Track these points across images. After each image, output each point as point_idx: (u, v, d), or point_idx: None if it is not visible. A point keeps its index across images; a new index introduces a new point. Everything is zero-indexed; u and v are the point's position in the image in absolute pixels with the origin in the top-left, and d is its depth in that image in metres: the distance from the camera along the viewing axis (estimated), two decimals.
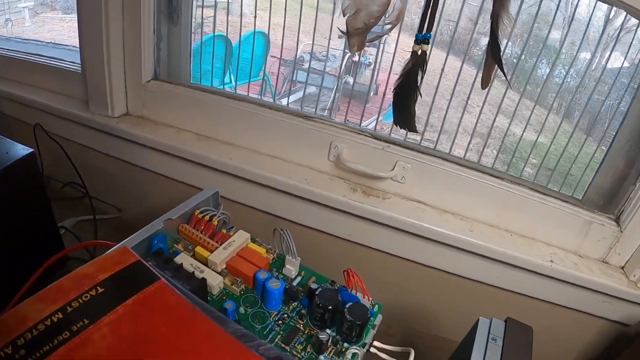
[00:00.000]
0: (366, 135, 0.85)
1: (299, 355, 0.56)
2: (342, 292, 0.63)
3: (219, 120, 0.93)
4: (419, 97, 0.73)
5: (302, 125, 0.87)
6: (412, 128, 0.76)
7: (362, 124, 0.93)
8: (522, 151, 0.88)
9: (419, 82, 0.71)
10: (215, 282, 0.59)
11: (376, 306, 0.64)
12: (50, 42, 1.30)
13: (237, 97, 0.92)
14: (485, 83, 0.72)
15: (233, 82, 1.01)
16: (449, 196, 0.86)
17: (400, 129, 0.78)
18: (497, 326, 0.57)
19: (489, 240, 0.82)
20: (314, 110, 0.90)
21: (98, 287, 0.37)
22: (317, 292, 0.59)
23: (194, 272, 0.58)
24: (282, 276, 0.66)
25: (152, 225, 0.62)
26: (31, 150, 0.71)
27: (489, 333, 0.56)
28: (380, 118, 0.99)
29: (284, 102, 1.01)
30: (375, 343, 0.63)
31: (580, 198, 0.87)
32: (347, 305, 0.58)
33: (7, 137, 0.90)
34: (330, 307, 0.58)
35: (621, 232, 0.80)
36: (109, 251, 0.43)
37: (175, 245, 0.65)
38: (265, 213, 0.94)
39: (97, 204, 1.08)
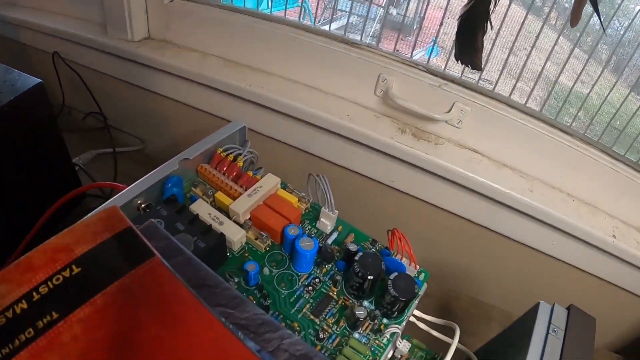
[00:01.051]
0: (420, 69, 0.72)
1: (329, 330, 0.48)
2: (385, 257, 0.54)
3: (250, 45, 0.81)
4: (489, 28, 0.59)
5: (347, 53, 0.74)
6: (476, 64, 0.62)
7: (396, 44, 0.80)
8: (588, 108, 0.74)
9: (492, 9, 0.57)
10: (236, 237, 0.50)
11: (422, 274, 0.55)
12: None
13: (273, 19, 0.79)
14: (575, 19, 0.58)
15: (269, 7, 0.88)
16: (510, 148, 0.73)
17: (462, 64, 0.65)
18: (558, 315, 0.51)
19: (549, 204, 0.71)
20: (358, 38, 0.77)
21: (73, 266, 0.27)
22: (356, 258, 0.49)
23: (211, 224, 0.49)
24: (315, 231, 0.56)
25: (165, 165, 0.53)
26: (39, 80, 0.63)
27: (549, 323, 0.50)
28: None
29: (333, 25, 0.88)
30: (415, 312, 0.55)
31: None
32: (392, 277, 0.49)
33: (26, 66, 0.83)
34: (372, 277, 0.49)
35: None
36: (93, 212, 0.33)
37: (192, 189, 0.56)
38: (299, 150, 0.83)
39: (120, 136, 1.01)
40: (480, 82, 0.73)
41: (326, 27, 0.79)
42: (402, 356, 0.56)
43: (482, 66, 0.63)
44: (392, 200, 0.83)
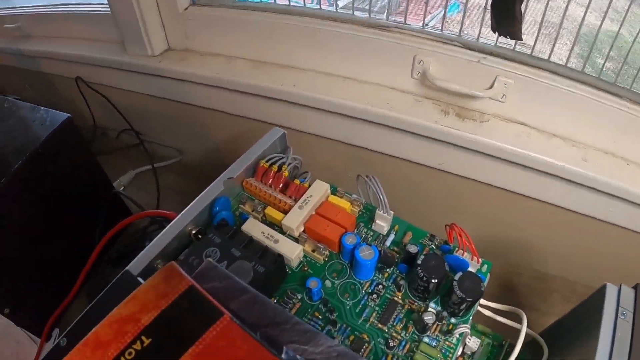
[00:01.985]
0: (457, 45, 0.68)
1: (399, 337, 0.47)
2: (447, 256, 0.52)
3: (274, 42, 0.78)
4: None
5: (377, 37, 0.71)
6: (516, 34, 0.58)
7: (425, 21, 0.75)
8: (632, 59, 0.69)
9: None
10: (294, 253, 0.49)
11: (485, 266, 0.53)
12: None
13: (293, 12, 0.76)
14: None
15: None
16: (558, 117, 0.69)
17: (499, 35, 0.61)
18: (626, 296, 0.49)
19: (605, 172, 0.68)
20: (367, 12, 0.73)
21: (143, 337, 0.27)
22: (419, 262, 0.48)
23: (267, 246, 0.48)
24: (371, 234, 0.55)
25: (211, 189, 0.52)
26: (67, 115, 0.64)
27: (617, 306, 0.48)
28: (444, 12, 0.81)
29: (341, 3, 0.83)
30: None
31: None
32: (457, 277, 0.47)
33: (52, 95, 0.83)
34: (436, 281, 0.47)
35: None
36: (153, 276, 0.32)
37: (241, 206, 0.55)
38: (342, 143, 0.82)
39: (157, 149, 1.02)
40: (517, 47, 0.69)
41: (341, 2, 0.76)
42: (472, 352, 0.56)
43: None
44: (442, 183, 0.80)
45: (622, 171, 0.68)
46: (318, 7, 0.77)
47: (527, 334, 0.52)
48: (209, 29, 0.81)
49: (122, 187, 0.92)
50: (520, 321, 0.53)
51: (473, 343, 0.52)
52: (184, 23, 0.81)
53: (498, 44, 0.70)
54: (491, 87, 0.68)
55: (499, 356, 0.59)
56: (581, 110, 0.68)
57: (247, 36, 0.79)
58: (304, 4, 0.77)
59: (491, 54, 0.67)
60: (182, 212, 0.50)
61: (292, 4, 0.77)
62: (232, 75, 0.77)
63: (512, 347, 0.59)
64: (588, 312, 0.53)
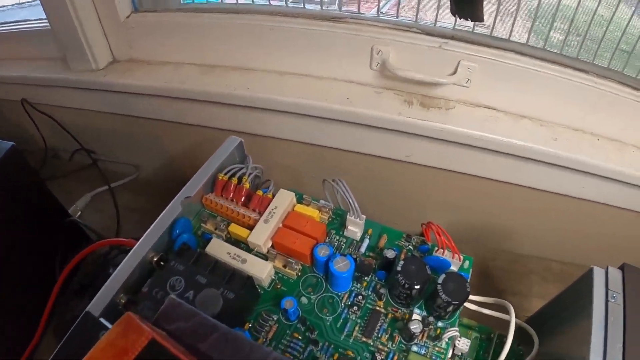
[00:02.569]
0: (416, 32, 0.65)
1: (385, 349, 0.44)
2: (427, 258, 0.49)
3: (224, 44, 0.73)
4: None
5: (331, 30, 0.67)
6: (477, 16, 0.56)
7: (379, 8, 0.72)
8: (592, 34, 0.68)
9: None
10: (264, 273, 0.46)
11: (467, 262, 0.51)
12: (16, 4, 1.03)
13: (241, 10, 0.71)
14: None
15: None
16: (525, 98, 0.67)
17: (460, 18, 0.59)
18: (614, 278, 0.48)
19: (575, 150, 0.66)
20: (318, 4, 0.69)
21: None
22: (399, 269, 0.45)
23: (234, 269, 0.44)
24: (344, 241, 0.52)
25: (168, 211, 0.47)
26: (10, 144, 0.59)
27: (606, 289, 0.47)
28: None
29: None
30: None
31: None
32: (440, 280, 0.45)
33: None
34: (419, 287, 0.44)
35: None
36: (109, 331, 0.28)
37: (202, 225, 0.51)
38: (303, 144, 0.78)
39: (112, 167, 0.96)
40: (476, 28, 0.67)
41: None
42: (462, 354, 0.53)
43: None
44: (411, 175, 0.78)
45: (593, 147, 0.67)
46: (267, 2, 0.73)
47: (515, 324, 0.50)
48: (154, 36, 0.75)
49: (79, 213, 0.86)
50: (506, 311, 0.51)
51: (463, 344, 0.50)
52: (127, 32, 0.76)
53: (457, 27, 0.67)
54: (455, 72, 0.66)
55: (489, 349, 0.57)
56: (548, 89, 0.66)
57: (194, 40, 0.74)
58: (252, 1, 0.73)
59: (452, 38, 0.64)
60: (141, 240, 0.45)
61: (239, 2, 0.73)
62: (181, 83, 0.72)
63: (500, 337, 0.58)
64: (576, 297, 0.51)
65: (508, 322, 0.50)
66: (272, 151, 0.79)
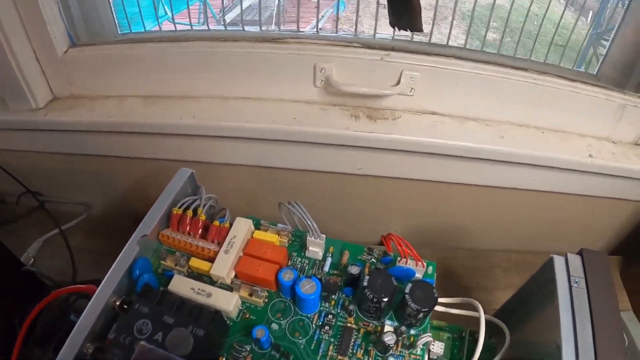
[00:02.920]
0: (357, 46, 0.66)
1: None
2: (391, 270, 0.50)
3: (166, 73, 0.72)
4: None
5: (273, 51, 0.67)
6: (416, 27, 0.58)
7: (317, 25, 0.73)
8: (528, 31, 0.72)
9: None
10: (231, 305, 0.45)
11: (430, 268, 0.51)
12: None
13: (180, 38, 0.70)
14: None
15: (169, 13, 0.77)
16: (468, 101, 0.70)
17: (399, 29, 0.60)
18: (574, 264, 0.49)
19: (523, 146, 0.69)
20: (257, 24, 0.69)
21: None
22: (365, 283, 0.45)
23: (201, 305, 0.43)
24: (307, 262, 0.51)
25: (125, 253, 0.46)
26: None
27: (568, 275, 0.48)
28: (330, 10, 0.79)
29: (228, 18, 0.79)
30: None
31: (595, 73, 0.76)
32: (407, 289, 0.45)
33: None
34: (387, 299, 0.45)
35: None
36: None
37: (162, 262, 0.50)
38: (255, 167, 0.77)
39: (62, 207, 0.91)
40: (415, 36, 0.68)
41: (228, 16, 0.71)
42: (437, 357, 0.54)
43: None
44: (364, 188, 0.79)
45: (538, 140, 0.70)
46: (206, 27, 0.72)
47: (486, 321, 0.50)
48: (94, 70, 0.73)
49: (32, 260, 0.82)
50: (474, 309, 0.52)
51: (437, 348, 0.50)
52: (66, 67, 0.73)
53: (396, 37, 0.69)
54: (398, 83, 0.67)
55: (463, 347, 0.58)
56: (490, 90, 0.68)
57: (135, 71, 0.72)
58: (191, 26, 0.72)
59: (393, 49, 0.66)
60: (101, 286, 0.43)
61: (178, 29, 0.72)
62: (125, 116, 0.70)
63: (472, 334, 0.59)
64: (539, 286, 0.53)
65: (477, 319, 0.51)
66: (224, 178, 0.79)
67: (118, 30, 0.75)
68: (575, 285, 0.47)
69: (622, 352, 0.42)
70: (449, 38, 0.69)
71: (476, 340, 0.57)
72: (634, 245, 0.89)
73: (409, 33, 0.68)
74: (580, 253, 0.50)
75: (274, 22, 0.73)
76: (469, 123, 0.70)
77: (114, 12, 0.73)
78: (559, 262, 0.50)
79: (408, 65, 0.65)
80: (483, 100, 0.69)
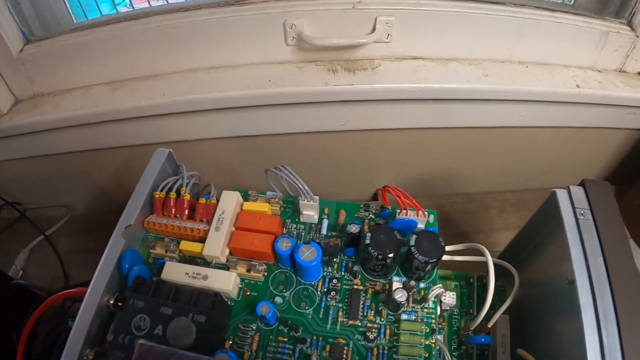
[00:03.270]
0: None
1: (376, 326, 0.43)
2: (392, 223, 0.48)
3: (129, 55, 0.67)
4: None
5: (238, 14, 0.62)
6: None
7: None
8: None
9: None
10: (230, 285, 0.42)
11: (431, 216, 0.49)
12: None
13: (138, 15, 0.65)
14: None
15: None
16: (448, 41, 0.67)
17: None
18: (577, 196, 0.48)
19: (507, 82, 0.67)
20: None
21: None
22: (368, 241, 0.43)
23: (197, 288, 0.40)
24: (303, 227, 0.49)
25: (111, 247, 0.43)
26: None
27: (573, 208, 0.47)
28: None
29: None
30: None
31: (572, 3, 0.72)
32: (412, 242, 0.43)
33: None
34: (392, 255, 0.43)
35: (637, 36, 0.69)
36: None
37: (151, 251, 0.47)
38: (236, 138, 0.73)
39: (43, 213, 0.88)
40: None
41: None
42: (449, 308, 0.53)
43: None
44: (350, 143, 0.76)
45: (523, 75, 0.67)
46: (165, 2, 0.67)
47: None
48: (54, 64, 0.68)
49: (21, 273, 0.79)
50: (479, 253, 0.50)
51: (449, 298, 0.49)
52: (24, 67, 0.67)
53: None
54: (373, 30, 0.63)
55: (472, 293, 0.57)
56: (469, 28, 0.65)
57: (97, 58, 0.67)
58: (149, 4, 0.67)
59: None
60: (90, 287, 0.41)
61: (135, 7, 0.67)
62: (93, 107, 0.66)
63: (480, 279, 0.58)
64: (544, 222, 0.52)
65: (481, 263, 0.49)
66: (204, 154, 0.75)
67: (74, 20, 0.69)
68: (582, 217, 0.46)
69: (636, 282, 0.41)
70: None
71: (484, 285, 0.57)
72: (625, 172, 0.89)
73: None
74: (582, 184, 0.49)
75: None
76: (452, 64, 0.67)
77: (66, 2, 0.67)
78: (562, 196, 0.48)
79: (382, 10, 0.62)
80: (463, 39, 0.66)
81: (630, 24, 0.69)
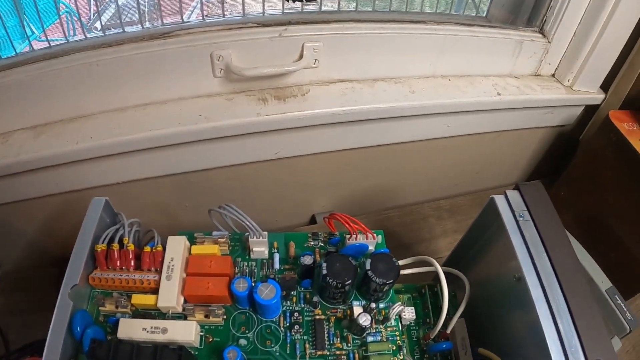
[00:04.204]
0: (252, 26, 0.62)
1: (344, 352, 0.43)
2: (345, 249, 0.48)
3: (51, 96, 0.63)
4: None
5: (163, 48, 0.61)
6: None
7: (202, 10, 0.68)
8: None
9: None
10: (192, 335, 0.41)
11: (379, 237, 0.51)
12: None
13: (57, 53, 0.61)
14: None
15: (36, 32, 0.66)
16: (374, 62, 0.69)
17: (294, 2, 0.57)
18: (514, 200, 0.50)
19: (434, 97, 0.71)
20: (136, 22, 0.62)
21: None
22: (324, 271, 0.43)
23: (159, 343, 0.38)
24: (254, 264, 0.49)
25: (59, 311, 0.40)
26: None
27: (512, 211, 0.50)
28: None
29: (98, 26, 0.71)
30: None
31: (485, 16, 0.79)
32: (368, 266, 0.44)
33: None
34: (350, 281, 0.43)
35: (549, 42, 0.76)
36: None
37: (101, 308, 0.44)
38: (169, 176, 0.71)
39: None
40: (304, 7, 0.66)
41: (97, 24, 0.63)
42: (410, 322, 0.54)
43: None
44: (283, 171, 0.77)
45: (447, 89, 0.71)
46: (83, 37, 0.63)
47: (435, 273, 0.51)
48: None
49: None
50: (426, 264, 0.52)
51: (409, 313, 0.50)
52: None
53: (285, 11, 0.65)
54: (301, 57, 0.64)
55: (426, 303, 0.59)
56: (393, 47, 0.68)
57: (16, 101, 0.62)
58: (67, 39, 0.63)
59: (290, 23, 0.62)
60: (44, 357, 0.37)
61: (52, 45, 0.62)
62: (15, 155, 0.60)
63: (431, 288, 0.59)
64: (485, 227, 0.54)
65: (427, 273, 0.52)
66: (137, 195, 0.72)
67: None
68: (521, 219, 0.49)
69: (579, 270, 0.44)
70: (339, 3, 0.67)
71: (435, 294, 0.59)
72: (549, 167, 0.96)
73: (298, 5, 0.65)
74: (516, 188, 0.52)
75: (146, 19, 0.66)
76: (379, 84, 0.70)
77: None
78: (500, 201, 0.51)
79: (308, 36, 0.63)
80: (388, 59, 0.69)
81: (542, 31, 0.75)
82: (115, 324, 0.41)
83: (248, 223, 0.46)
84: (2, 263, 0.78)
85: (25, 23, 0.64)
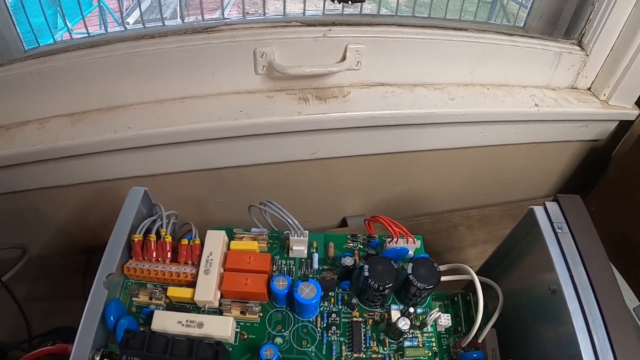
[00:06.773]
0: (296, 25, 0.62)
1: (380, 356, 0.42)
2: (386, 252, 0.47)
3: (89, 84, 0.63)
4: None
5: (207, 42, 0.60)
6: None
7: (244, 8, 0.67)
8: None
9: None
10: (228, 331, 0.40)
11: (418, 242, 0.50)
12: None
13: (98, 42, 0.61)
14: None
15: (68, 25, 0.66)
16: (414, 67, 0.69)
17: (339, 2, 0.57)
18: (553, 211, 0.49)
19: (473, 105, 0.70)
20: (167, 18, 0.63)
21: None
22: (366, 273, 0.42)
23: (194, 337, 0.38)
24: (293, 263, 0.48)
25: (94, 299, 0.39)
26: None
27: (551, 222, 0.48)
28: None
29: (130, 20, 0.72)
30: None
31: (523, 26, 0.78)
32: (410, 270, 0.43)
33: None
34: (391, 284, 0.42)
35: (587, 55, 0.75)
36: None
37: (134, 299, 0.43)
38: (206, 171, 0.71)
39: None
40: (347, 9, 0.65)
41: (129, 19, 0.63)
42: (445, 329, 0.52)
43: None
44: (318, 172, 0.76)
45: (485, 97, 0.70)
46: (123, 29, 0.63)
47: (470, 281, 0.50)
48: (4, 94, 0.62)
49: None
50: (463, 272, 0.50)
51: (445, 320, 0.49)
52: None
53: (326, 12, 0.65)
54: (344, 58, 0.64)
55: (458, 312, 0.58)
56: (434, 54, 0.67)
57: (54, 88, 0.62)
58: (106, 30, 0.63)
59: (334, 24, 0.62)
60: (75, 345, 0.37)
61: (91, 33, 0.62)
62: (51, 141, 0.61)
63: (464, 296, 0.58)
64: (521, 238, 0.53)
65: (457, 282, 0.50)
66: (169, 188, 0.72)
67: (24, 46, 0.64)
68: (560, 231, 0.47)
69: (616, 286, 0.43)
70: (379, 7, 0.66)
71: (468, 303, 0.58)
72: (580, 181, 0.94)
73: (339, 6, 0.64)
74: (555, 199, 0.51)
75: (178, 16, 0.66)
76: (418, 89, 0.69)
77: (16, 26, 0.62)
78: (539, 212, 0.50)
79: (352, 38, 0.62)
80: (429, 65, 0.68)
81: (580, 44, 0.74)
82: (149, 315, 0.41)
83: (290, 221, 0.45)
84: (29, 249, 0.78)
85: (60, 14, 0.65)
